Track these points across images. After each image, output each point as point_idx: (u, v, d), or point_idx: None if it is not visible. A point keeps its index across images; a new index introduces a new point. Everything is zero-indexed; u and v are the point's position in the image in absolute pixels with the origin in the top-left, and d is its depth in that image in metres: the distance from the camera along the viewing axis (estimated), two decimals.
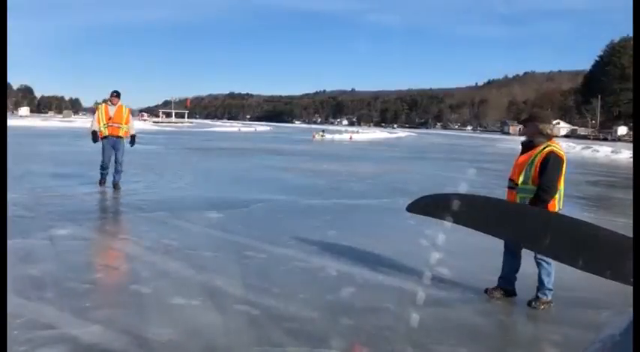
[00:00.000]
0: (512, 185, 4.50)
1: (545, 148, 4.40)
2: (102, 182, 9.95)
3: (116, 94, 10.08)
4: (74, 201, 8.35)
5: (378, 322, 3.90)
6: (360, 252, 5.89)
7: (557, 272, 4.29)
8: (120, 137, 9.94)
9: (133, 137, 10.32)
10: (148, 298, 4.26)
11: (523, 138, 4.73)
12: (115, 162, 9.81)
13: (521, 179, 4.41)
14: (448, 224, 1.18)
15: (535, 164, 4.35)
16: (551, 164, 4.31)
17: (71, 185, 10.08)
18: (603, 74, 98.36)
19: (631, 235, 1.04)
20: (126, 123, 10.04)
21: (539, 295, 4.40)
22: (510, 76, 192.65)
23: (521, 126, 4.65)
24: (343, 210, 8.92)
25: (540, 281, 4.37)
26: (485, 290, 4.62)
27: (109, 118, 9.84)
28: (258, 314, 3.96)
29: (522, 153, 4.54)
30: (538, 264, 4.35)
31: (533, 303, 4.37)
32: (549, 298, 4.38)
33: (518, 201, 4.36)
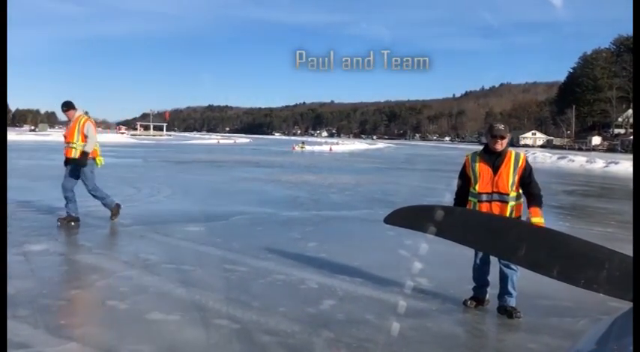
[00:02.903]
0: (500, 197, 4.40)
1: (517, 154, 4.54)
2: (65, 219, 7.64)
3: (65, 107, 7.90)
4: (49, 215, 8.20)
5: (359, 334, 3.89)
6: (341, 264, 5.88)
7: (534, 281, 4.33)
8: (74, 160, 7.76)
9: (83, 155, 7.69)
10: (126, 314, 4.19)
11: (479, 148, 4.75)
12: (89, 193, 7.89)
13: (510, 188, 4.41)
14: (426, 235, 1.19)
15: (518, 170, 4.43)
16: (531, 168, 4.53)
17: (46, 199, 9.90)
18: (577, 85, 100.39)
19: (605, 244, 1.06)
20: (82, 141, 7.71)
21: (513, 303, 4.44)
22: (487, 87, 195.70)
23: (500, 140, 4.49)
24: (323, 222, 8.92)
25: (512, 288, 4.42)
26: (465, 302, 4.64)
27: (65, 137, 7.96)
28: (239, 328, 3.92)
29: (489, 163, 4.46)
30: (506, 270, 4.38)
31: (515, 314, 4.39)
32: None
33: (508, 210, 4.37)
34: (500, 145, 4.44)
